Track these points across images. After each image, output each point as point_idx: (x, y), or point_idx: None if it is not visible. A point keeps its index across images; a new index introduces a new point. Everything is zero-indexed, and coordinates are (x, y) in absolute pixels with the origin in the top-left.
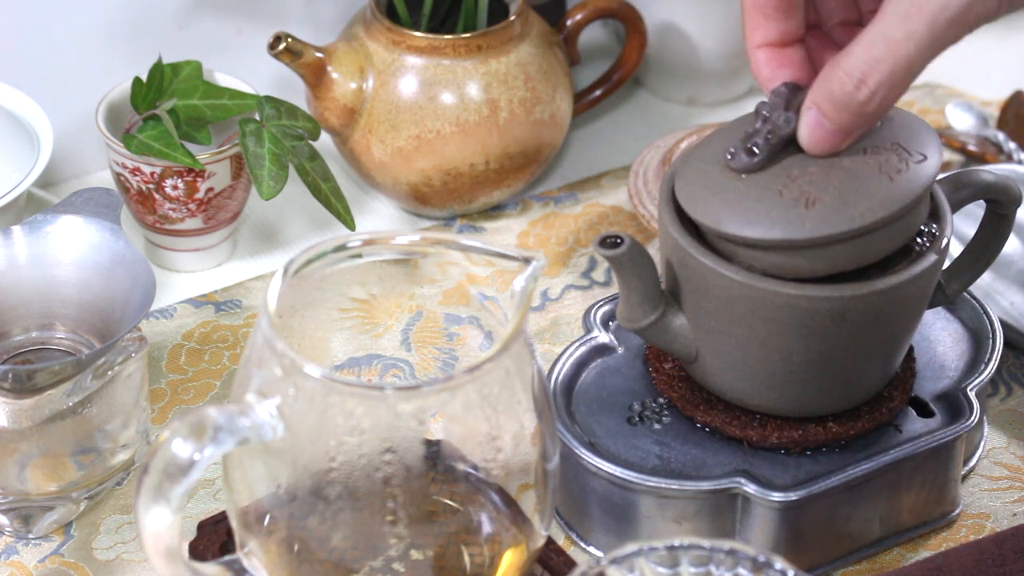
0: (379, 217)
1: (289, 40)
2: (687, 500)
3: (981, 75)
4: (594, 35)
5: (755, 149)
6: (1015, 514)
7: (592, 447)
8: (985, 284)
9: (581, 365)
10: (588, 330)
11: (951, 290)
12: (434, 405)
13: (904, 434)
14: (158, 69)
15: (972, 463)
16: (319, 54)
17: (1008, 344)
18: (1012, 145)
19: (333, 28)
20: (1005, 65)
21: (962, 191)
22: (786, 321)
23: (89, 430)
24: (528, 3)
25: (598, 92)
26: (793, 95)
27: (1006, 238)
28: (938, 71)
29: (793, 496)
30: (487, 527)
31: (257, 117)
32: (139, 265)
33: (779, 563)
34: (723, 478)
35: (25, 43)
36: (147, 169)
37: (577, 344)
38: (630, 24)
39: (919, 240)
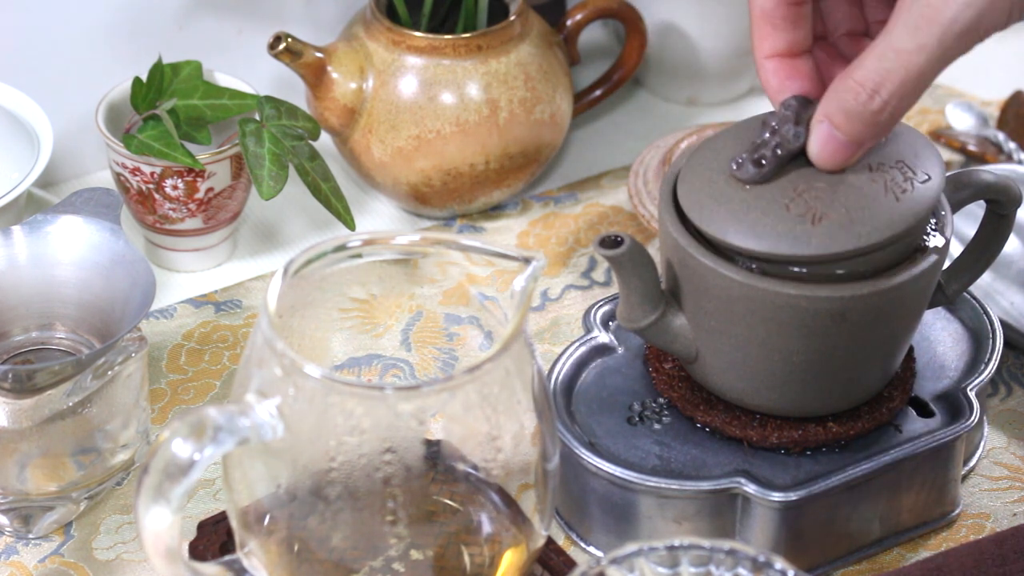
0: (379, 217)
1: (289, 40)
2: (687, 500)
3: (981, 75)
4: (594, 35)
5: (763, 161)
6: (1015, 514)
7: (592, 447)
8: (985, 284)
9: (581, 365)
10: (588, 330)
11: (951, 290)
12: (434, 405)
13: (904, 434)
14: (158, 69)
15: (972, 463)
16: (319, 54)
17: (1008, 344)
18: (1012, 145)
19: (333, 28)
20: (1005, 65)
21: (962, 191)
22: (786, 321)
23: (89, 430)
24: (528, 3)
25: (598, 92)
26: (803, 109)
27: (1006, 238)
28: None
29: (793, 496)
30: (487, 527)
31: (257, 117)
32: (139, 265)
33: (779, 563)
34: (723, 478)
35: (25, 43)
36: (147, 169)
37: (577, 344)
38: (630, 24)
39: (919, 239)
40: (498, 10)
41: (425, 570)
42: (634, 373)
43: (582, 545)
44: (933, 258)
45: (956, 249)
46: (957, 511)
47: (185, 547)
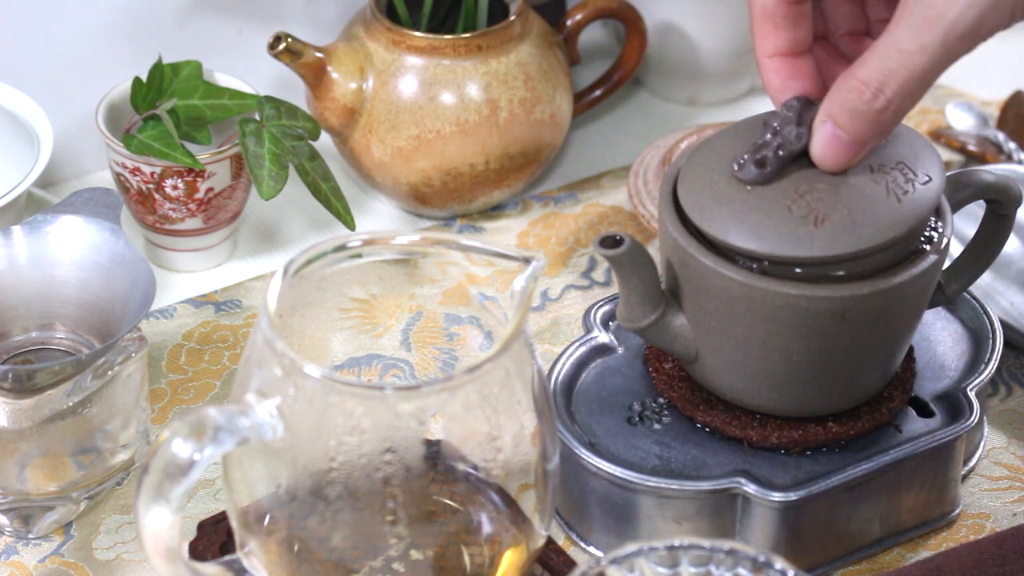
0: (379, 217)
1: (289, 40)
2: (687, 500)
3: (981, 75)
4: (594, 35)
5: (765, 162)
6: (1015, 514)
7: (592, 447)
8: (985, 284)
9: (581, 365)
10: (588, 330)
11: (951, 290)
12: (434, 405)
13: (904, 434)
14: (158, 69)
15: (972, 463)
16: (319, 54)
17: (1008, 344)
18: (1012, 145)
19: (333, 28)
20: (1005, 65)
21: (962, 191)
22: (786, 321)
23: (89, 430)
24: (528, 3)
25: (598, 92)
26: (805, 110)
27: (1006, 238)
28: None
29: (793, 496)
30: (487, 527)
31: (257, 117)
32: (139, 265)
33: (779, 563)
34: (723, 478)
35: (25, 43)
36: (147, 169)
37: (577, 344)
38: (630, 24)
39: (919, 240)
40: (498, 10)
41: (425, 570)
42: (634, 373)
43: (582, 545)
44: (933, 258)
45: (956, 249)
46: (957, 511)
47: (185, 547)
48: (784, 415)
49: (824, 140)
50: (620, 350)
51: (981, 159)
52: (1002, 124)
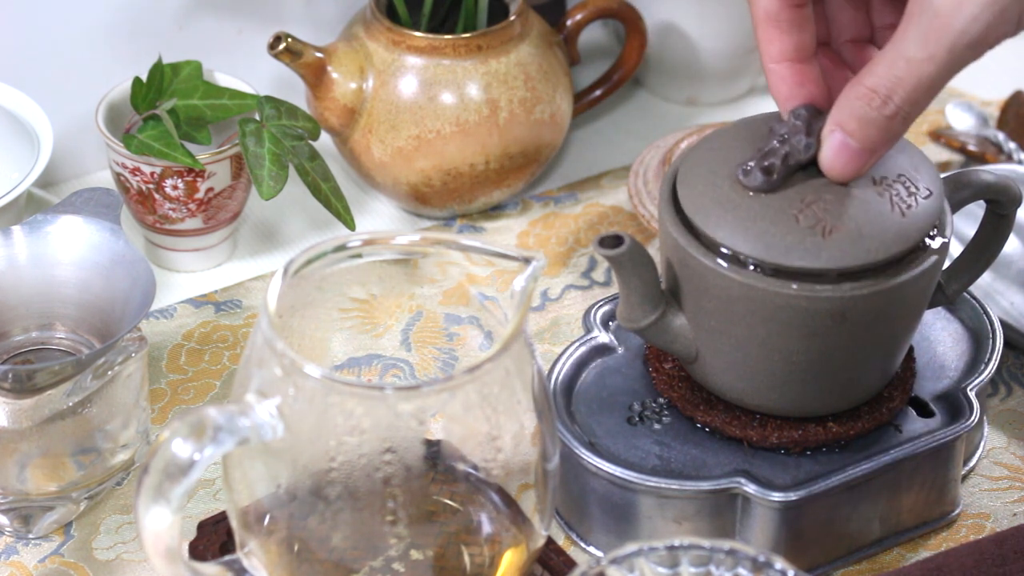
0: (379, 217)
1: (289, 40)
2: (687, 500)
3: (981, 75)
4: (594, 35)
5: (772, 170)
6: (1015, 514)
7: (592, 447)
8: (985, 284)
9: (581, 365)
10: (588, 330)
11: (951, 290)
12: (434, 405)
13: (904, 434)
14: (158, 69)
15: (972, 463)
16: (319, 54)
17: (1008, 344)
18: (1012, 145)
19: (333, 28)
20: (1005, 65)
21: (962, 191)
22: (786, 321)
23: (89, 430)
24: (528, 3)
25: (598, 92)
26: (814, 119)
27: (1006, 238)
28: None
29: (793, 496)
30: (487, 527)
31: (257, 117)
32: (139, 265)
33: (779, 563)
34: (723, 478)
35: (25, 43)
36: (147, 169)
37: (577, 344)
38: (630, 24)
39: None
40: (498, 10)
41: (425, 570)
42: (634, 373)
43: (582, 545)
44: (933, 258)
45: (956, 249)
46: (957, 511)
47: (185, 547)
48: (784, 415)
49: (834, 149)
50: (620, 350)
51: (981, 159)
52: (1002, 124)
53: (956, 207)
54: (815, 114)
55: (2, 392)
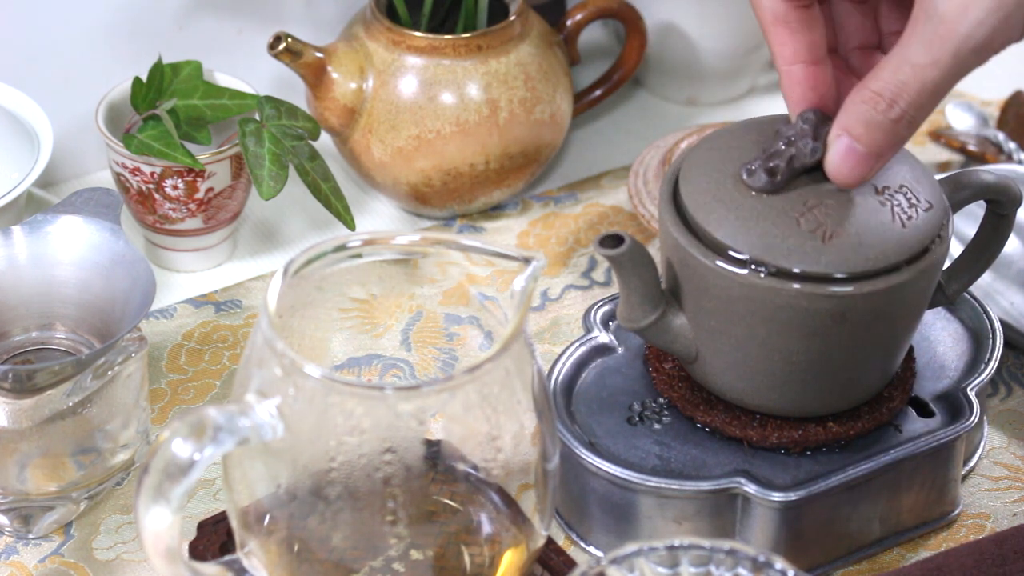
0: (379, 217)
1: (289, 40)
2: (687, 500)
3: (981, 75)
4: (594, 35)
5: (776, 172)
6: (1015, 514)
7: (592, 447)
8: (985, 284)
9: (581, 365)
10: (588, 330)
11: (951, 290)
12: (434, 405)
13: (904, 434)
14: (158, 69)
15: (972, 463)
16: (319, 54)
17: (1008, 344)
18: (1012, 145)
19: (333, 28)
20: (1005, 65)
21: (962, 191)
22: (786, 321)
23: (89, 430)
24: (528, 3)
25: (598, 92)
26: (821, 124)
27: (1006, 238)
28: None
29: (793, 496)
30: (487, 527)
31: (257, 117)
32: (139, 265)
33: (779, 563)
34: (723, 478)
35: (25, 43)
36: (147, 169)
37: (577, 344)
38: (630, 24)
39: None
40: (498, 10)
41: (425, 570)
42: (634, 373)
43: (582, 545)
44: (933, 258)
45: (956, 249)
46: (957, 511)
47: (185, 547)
48: (784, 415)
49: (840, 153)
50: (620, 350)
51: (981, 159)
52: (1002, 124)
53: (956, 207)
54: (822, 118)
55: (2, 392)
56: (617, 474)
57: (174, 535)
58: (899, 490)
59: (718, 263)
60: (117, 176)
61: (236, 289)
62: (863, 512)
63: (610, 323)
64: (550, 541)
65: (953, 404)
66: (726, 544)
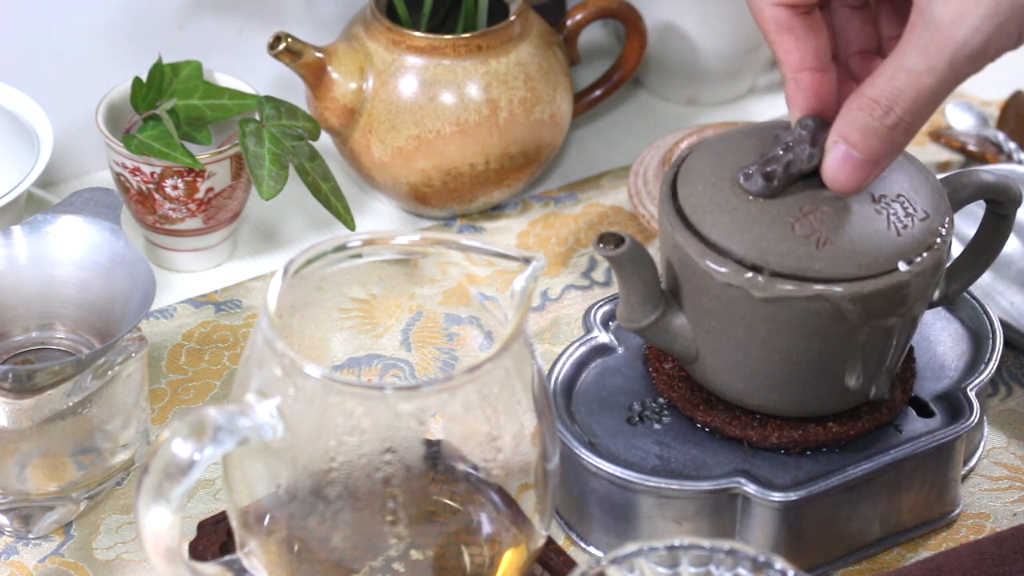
0: (379, 217)
1: (289, 40)
2: (687, 500)
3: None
4: (594, 35)
5: (773, 176)
6: (1015, 514)
7: (592, 447)
8: (985, 284)
9: (581, 365)
10: (588, 330)
11: (951, 290)
12: (434, 405)
13: (904, 434)
14: (158, 69)
15: (972, 463)
16: (319, 54)
17: (1008, 344)
18: (1012, 145)
19: (333, 28)
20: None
21: (962, 191)
22: (785, 321)
23: (89, 430)
24: (528, 3)
25: (598, 92)
26: (820, 130)
27: (1006, 238)
28: None
29: (793, 496)
30: (487, 527)
31: (257, 117)
32: (139, 265)
33: (779, 563)
34: (723, 478)
35: (25, 43)
36: (147, 169)
37: (577, 344)
38: (630, 24)
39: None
40: (498, 10)
41: (425, 570)
42: (634, 373)
43: (582, 545)
44: (933, 258)
45: (956, 249)
46: (957, 511)
47: (185, 547)
48: (784, 415)
49: (837, 160)
50: (620, 350)
51: (981, 159)
52: (1002, 124)
53: (956, 207)
54: (821, 125)
55: (2, 392)
56: (617, 474)
57: (174, 535)
58: (899, 490)
59: (717, 265)
60: (117, 176)
61: (236, 289)
62: (863, 512)
63: (610, 323)
64: (550, 541)
65: (953, 404)
66: (726, 544)
